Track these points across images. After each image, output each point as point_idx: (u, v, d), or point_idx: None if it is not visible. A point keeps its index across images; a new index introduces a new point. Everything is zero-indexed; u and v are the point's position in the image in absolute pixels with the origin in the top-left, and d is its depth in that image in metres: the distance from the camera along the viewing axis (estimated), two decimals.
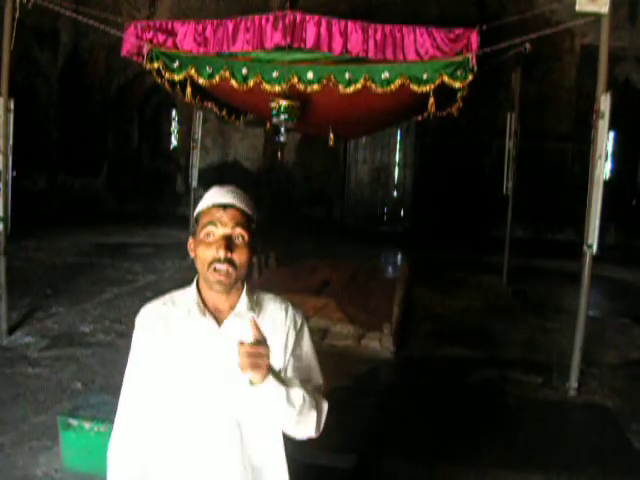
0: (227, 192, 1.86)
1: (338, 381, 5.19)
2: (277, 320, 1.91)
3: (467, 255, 12.09)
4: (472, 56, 5.76)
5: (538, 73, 12.48)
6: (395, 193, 15.64)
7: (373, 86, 5.92)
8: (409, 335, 6.88)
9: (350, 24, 5.89)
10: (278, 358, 1.85)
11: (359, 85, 5.92)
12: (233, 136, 14.64)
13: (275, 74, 5.95)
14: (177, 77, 6.05)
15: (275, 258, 9.06)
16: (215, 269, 1.77)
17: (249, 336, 1.68)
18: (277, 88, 5.97)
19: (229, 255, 1.77)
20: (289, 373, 1.88)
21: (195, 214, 1.89)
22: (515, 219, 9.58)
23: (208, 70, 5.98)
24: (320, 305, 6.83)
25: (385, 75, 5.89)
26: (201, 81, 6.05)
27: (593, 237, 5.46)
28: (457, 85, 5.81)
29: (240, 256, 1.80)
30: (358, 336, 6.48)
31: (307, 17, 5.86)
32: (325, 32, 5.88)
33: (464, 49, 5.80)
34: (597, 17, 5.25)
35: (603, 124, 5.30)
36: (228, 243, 1.78)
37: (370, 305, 7.15)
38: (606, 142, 5.35)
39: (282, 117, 6.03)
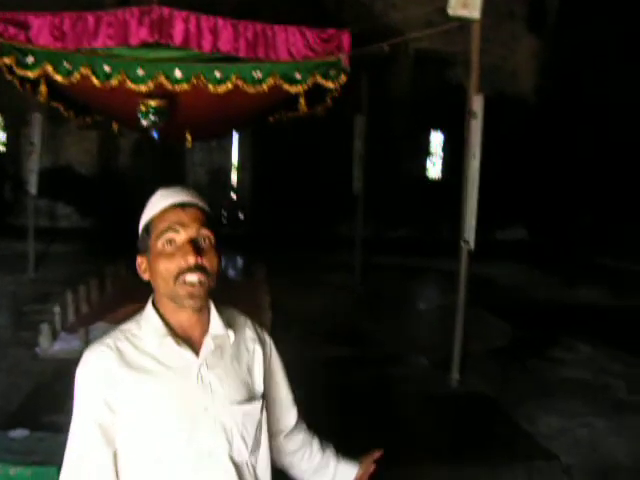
0: (180, 191, 1.56)
1: None
2: (254, 337, 1.70)
3: (317, 255, 12.17)
4: (344, 57, 5.78)
5: (383, 76, 12.86)
6: (235, 195, 15.43)
7: (244, 86, 5.74)
8: (282, 339, 6.76)
9: (220, 21, 5.67)
10: (257, 379, 1.65)
11: (230, 84, 5.70)
12: (65, 140, 13.71)
13: (141, 72, 5.57)
14: (31, 74, 5.49)
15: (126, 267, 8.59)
16: (185, 281, 1.47)
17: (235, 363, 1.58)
18: (143, 87, 5.60)
19: (200, 261, 1.47)
20: (271, 391, 1.73)
21: (143, 225, 1.57)
22: (366, 218, 9.78)
23: (66, 67, 5.47)
24: None
25: (257, 74, 5.73)
26: (58, 78, 5.53)
27: (469, 233, 5.67)
28: (330, 85, 5.81)
29: (210, 261, 1.50)
30: None
31: (175, 13, 5.56)
32: (194, 29, 5.62)
33: (336, 49, 5.81)
34: (468, 22, 5.46)
35: (476, 124, 5.51)
36: (195, 247, 1.48)
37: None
38: (480, 141, 5.55)
39: (152, 118, 5.68)
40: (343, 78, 5.77)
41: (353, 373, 5.95)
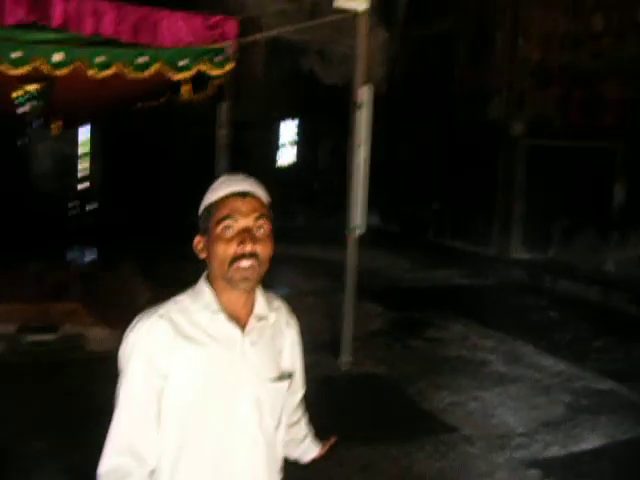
0: (242, 180, 1.67)
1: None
2: (287, 321, 1.83)
3: (174, 245, 11.89)
4: (231, 44, 5.73)
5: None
6: (84, 185, 14.79)
7: (128, 72, 5.53)
8: None
9: (102, 3, 5.42)
10: (287, 360, 1.79)
11: (112, 70, 5.48)
12: None
13: (16, 55, 5.21)
14: None
15: None
16: (239, 266, 1.58)
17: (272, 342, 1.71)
18: (19, 71, 5.26)
19: (253, 249, 1.58)
20: (297, 375, 1.87)
21: (203, 208, 1.67)
22: None
23: None
24: (69, 310, 6.29)
25: (141, 60, 5.54)
26: None
27: (357, 219, 5.84)
28: (216, 73, 5.74)
29: (264, 249, 1.61)
30: (119, 338, 6.07)
31: None
32: (74, 10, 5.30)
33: (222, 37, 5.73)
34: (354, 14, 5.59)
35: (361, 114, 5.68)
36: (251, 236, 1.59)
37: (122, 303, 6.74)
38: (368, 131, 5.73)
39: (31, 104, 5.33)
40: (229, 66, 5.73)
41: None
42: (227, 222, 1.59)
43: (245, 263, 1.57)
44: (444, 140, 13.00)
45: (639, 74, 9.76)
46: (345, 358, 5.86)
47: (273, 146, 15.28)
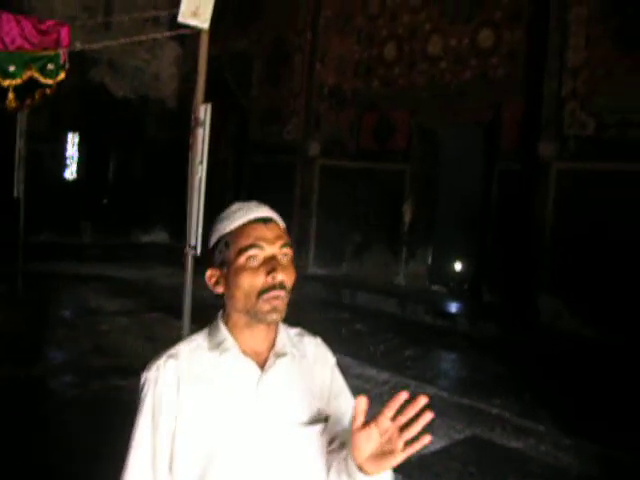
0: (258, 206, 1.57)
1: None
2: (317, 358, 1.67)
3: None
4: (63, 52, 5.42)
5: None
6: None
7: None
8: None
9: None
10: (321, 400, 1.62)
11: None
12: None
13: None
14: None
15: None
16: (270, 297, 1.47)
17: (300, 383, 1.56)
18: None
19: (284, 278, 1.49)
20: (332, 412, 1.63)
21: (216, 239, 1.55)
22: (30, 222, 9.16)
23: None
24: None
25: None
26: None
27: (195, 239, 5.75)
28: (48, 82, 5.40)
29: (290, 278, 1.51)
30: None
31: None
32: None
33: (55, 43, 5.40)
34: (197, 30, 5.53)
35: (202, 132, 5.62)
36: (280, 264, 1.49)
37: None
38: (206, 149, 5.67)
39: None
40: (62, 75, 5.41)
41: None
42: (252, 252, 1.48)
43: (275, 293, 1.47)
44: (241, 158, 13.20)
45: (426, 101, 10.68)
46: None
47: (60, 159, 14.47)
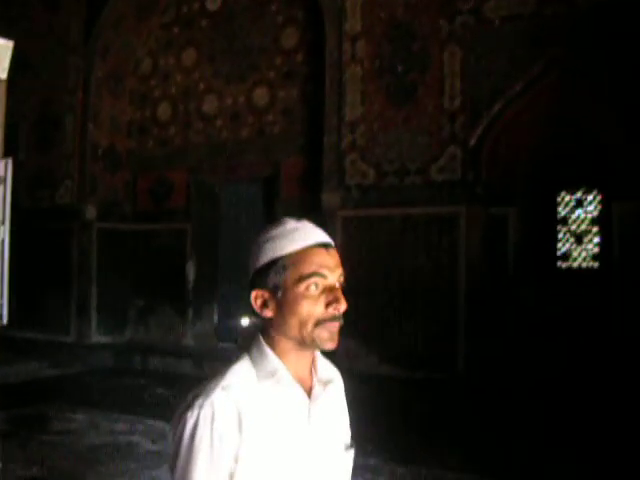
0: (314, 227, 1.46)
1: None
2: (340, 385, 1.64)
3: None
4: None
5: None
6: None
7: None
8: None
9: None
10: (346, 426, 1.62)
11: None
12: None
13: None
14: None
15: None
16: (331, 325, 1.40)
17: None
18: None
19: (344, 310, 1.42)
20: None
21: (273, 257, 1.42)
22: None
23: None
24: None
25: None
26: None
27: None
28: None
29: (345, 307, 1.43)
30: None
31: None
32: None
33: None
34: None
35: (3, 190, 5.15)
36: (340, 296, 1.42)
37: None
38: (8, 208, 5.19)
39: None
40: None
41: None
42: (315, 280, 1.39)
43: (337, 322, 1.40)
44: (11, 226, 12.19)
45: (204, 159, 10.77)
46: None
47: None
